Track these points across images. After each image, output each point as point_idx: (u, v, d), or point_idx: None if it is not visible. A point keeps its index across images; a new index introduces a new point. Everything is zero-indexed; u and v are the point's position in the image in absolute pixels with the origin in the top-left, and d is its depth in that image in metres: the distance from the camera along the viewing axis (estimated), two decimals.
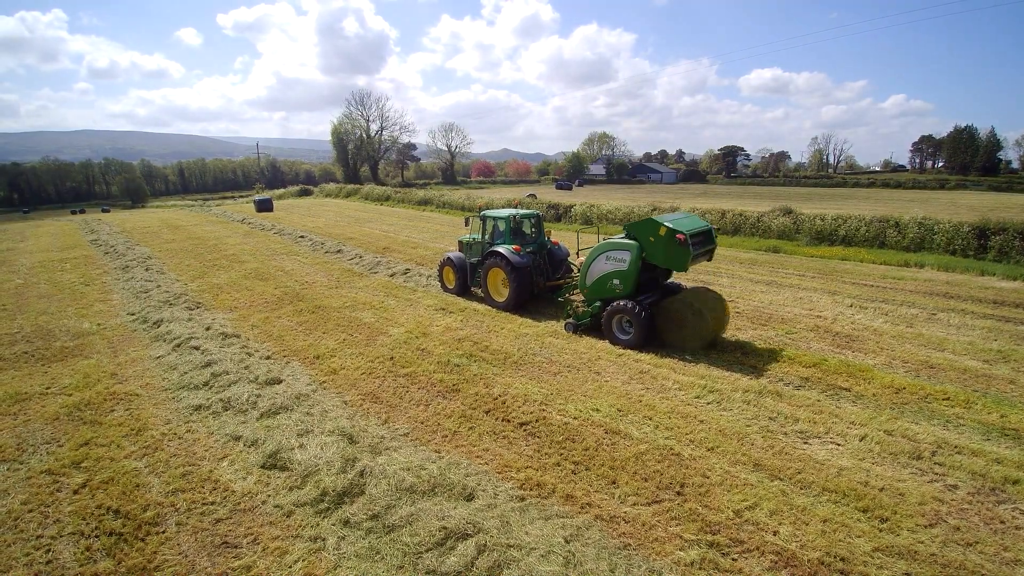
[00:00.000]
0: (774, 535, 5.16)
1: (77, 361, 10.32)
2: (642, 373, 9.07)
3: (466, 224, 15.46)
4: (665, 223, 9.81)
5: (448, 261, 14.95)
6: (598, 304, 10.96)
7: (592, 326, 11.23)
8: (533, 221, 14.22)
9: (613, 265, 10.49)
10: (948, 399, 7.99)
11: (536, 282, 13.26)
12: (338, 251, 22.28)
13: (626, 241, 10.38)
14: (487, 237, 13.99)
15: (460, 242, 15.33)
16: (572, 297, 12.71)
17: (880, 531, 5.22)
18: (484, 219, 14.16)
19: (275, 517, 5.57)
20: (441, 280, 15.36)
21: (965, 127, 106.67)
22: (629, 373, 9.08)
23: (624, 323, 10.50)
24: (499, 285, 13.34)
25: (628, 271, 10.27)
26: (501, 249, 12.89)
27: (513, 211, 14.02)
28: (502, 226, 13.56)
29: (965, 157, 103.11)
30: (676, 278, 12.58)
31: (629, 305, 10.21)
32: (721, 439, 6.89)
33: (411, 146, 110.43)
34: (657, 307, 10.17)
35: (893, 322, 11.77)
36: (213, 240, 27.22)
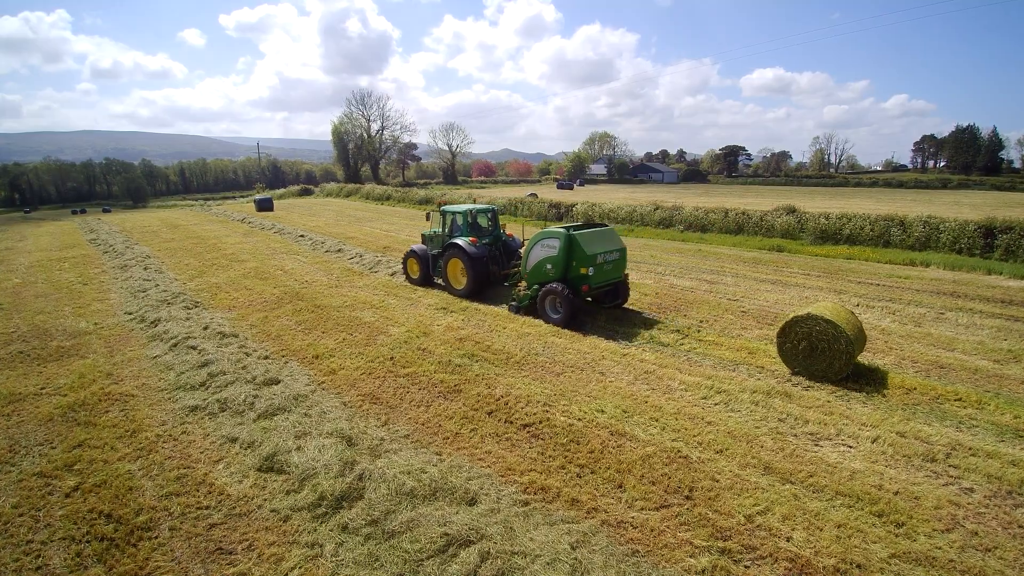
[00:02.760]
0: (787, 541, 4.99)
1: (73, 361, 10.17)
2: (647, 373, 8.90)
3: (427, 219, 16.38)
4: (591, 269, 11.11)
5: (412, 253, 15.73)
6: (537, 287, 11.97)
7: (531, 308, 12.25)
8: (489, 215, 15.25)
9: (547, 251, 11.60)
10: (960, 400, 7.81)
11: (492, 271, 14.22)
12: (338, 250, 22.13)
13: (557, 230, 11.45)
14: (446, 230, 14.90)
15: (423, 235, 16.11)
16: (520, 284, 13.16)
17: (896, 536, 5.05)
18: (444, 214, 15.03)
19: (271, 522, 5.41)
20: (405, 271, 16.13)
21: (967, 127, 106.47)
22: (634, 373, 8.91)
23: (556, 304, 11.56)
24: (458, 274, 14.24)
25: (558, 256, 11.37)
26: (459, 241, 13.87)
27: (470, 206, 15.05)
28: (460, 220, 14.59)
29: (967, 157, 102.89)
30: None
31: (559, 287, 11.29)
32: (730, 441, 6.71)
33: (412, 146, 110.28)
34: (789, 329, 8.76)
35: (901, 321, 11.58)
36: (212, 239, 27.09)
